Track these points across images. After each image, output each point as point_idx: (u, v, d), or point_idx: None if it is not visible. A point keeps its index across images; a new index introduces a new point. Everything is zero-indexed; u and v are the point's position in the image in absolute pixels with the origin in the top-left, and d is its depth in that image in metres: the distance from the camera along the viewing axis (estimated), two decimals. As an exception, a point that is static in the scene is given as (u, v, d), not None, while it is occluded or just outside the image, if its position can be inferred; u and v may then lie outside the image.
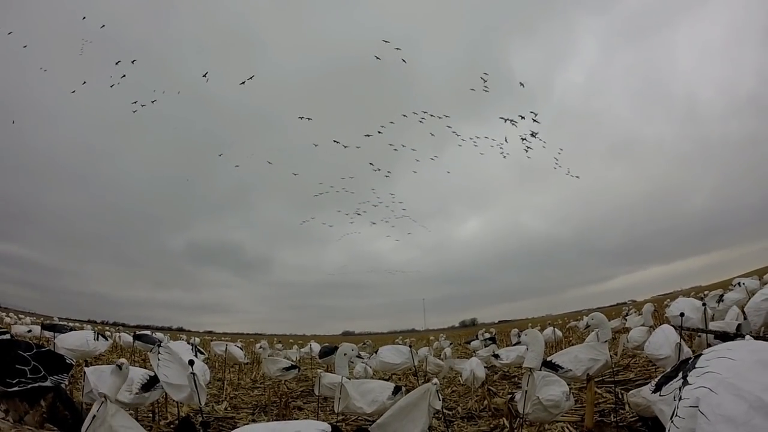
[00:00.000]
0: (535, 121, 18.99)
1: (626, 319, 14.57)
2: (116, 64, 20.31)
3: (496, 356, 8.44)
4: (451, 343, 18.49)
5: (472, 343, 16.59)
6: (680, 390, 2.05)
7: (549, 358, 5.30)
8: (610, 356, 5.22)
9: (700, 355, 2.21)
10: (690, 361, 2.25)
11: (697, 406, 1.82)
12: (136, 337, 11.48)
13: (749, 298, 7.91)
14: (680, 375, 2.23)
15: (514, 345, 9.52)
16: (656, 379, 2.83)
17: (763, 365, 1.85)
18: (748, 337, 3.19)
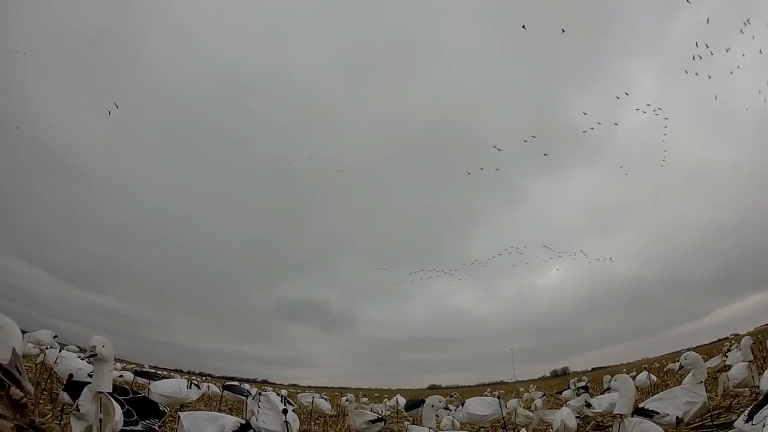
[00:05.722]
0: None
1: (726, 356, 12.94)
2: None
3: (589, 405, 8.01)
4: (543, 395, 17.53)
5: (563, 392, 15.64)
6: None
7: (642, 405, 5.05)
8: (708, 398, 4.88)
9: None
10: None
11: None
12: (225, 387, 12.10)
13: None
14: None
15: (605, 392, 8.95)
16: (749, 409, 2.76)
17: None
18: None
